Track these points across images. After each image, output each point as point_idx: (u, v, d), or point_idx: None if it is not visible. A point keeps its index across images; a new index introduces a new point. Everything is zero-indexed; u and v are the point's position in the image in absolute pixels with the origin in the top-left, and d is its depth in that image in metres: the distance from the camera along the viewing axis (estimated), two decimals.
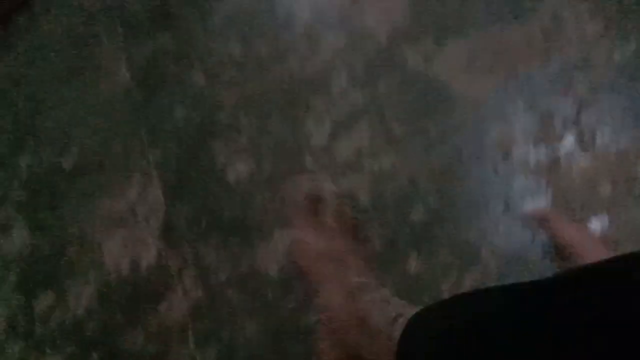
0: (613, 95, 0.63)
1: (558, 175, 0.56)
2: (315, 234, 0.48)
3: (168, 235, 0.65)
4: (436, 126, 0.64)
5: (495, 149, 0.62)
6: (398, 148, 0.62)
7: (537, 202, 0.57)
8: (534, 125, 0.62)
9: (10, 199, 0.67)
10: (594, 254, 0.49)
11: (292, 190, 0.52)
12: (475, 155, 0.63)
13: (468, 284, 0.57)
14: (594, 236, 0.53)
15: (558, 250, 0.50)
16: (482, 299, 0.36)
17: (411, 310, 0.41)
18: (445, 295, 0.58)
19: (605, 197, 0.55)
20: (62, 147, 0.69)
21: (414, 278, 0.57)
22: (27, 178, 0.66)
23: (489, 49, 0.63)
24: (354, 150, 0.63)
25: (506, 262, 0.57)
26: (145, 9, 0.70)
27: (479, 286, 0.57)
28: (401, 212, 0.59)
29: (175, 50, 0.69)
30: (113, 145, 0.68)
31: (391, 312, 0.42)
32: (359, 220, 0.57)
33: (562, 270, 0.48)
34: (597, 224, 0.56)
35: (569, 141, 0.61)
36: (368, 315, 0.43)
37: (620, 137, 0.60)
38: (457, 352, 0.33)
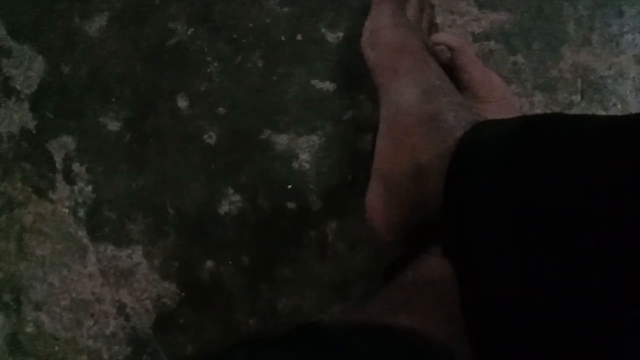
0: None
1: None
2: (396, 25, 0.43)
3: None
4: None
5: None
6: None
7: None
8: None
9: None
10: (500, 99, 0.45)
11: None
12: None
13: None
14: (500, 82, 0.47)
15: (461, 84, 0.45)
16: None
17: None
18: None
19: None
20: None
21: None
22: None
23: None
24: None
25: None
26: None
27: None
28: None
29: None
30: None
31: (467, 117, 0.39)
32: (435, 25, 0.52)
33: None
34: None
35: None
36: (440, 116, 0.39)
37: None
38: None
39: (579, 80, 0.52)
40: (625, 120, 0.29)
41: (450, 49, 0.45)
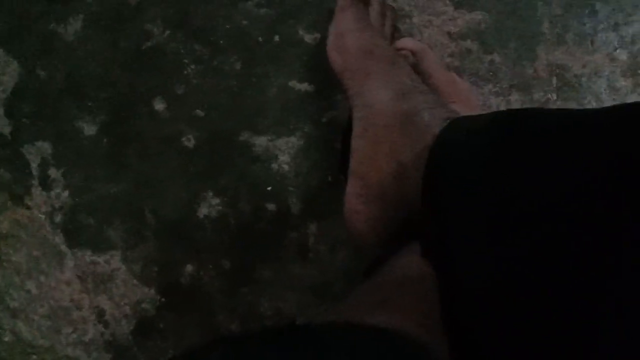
0: None
1: None
2: (361, 29, 0.43)
3: None
4: None
5: None
6: None
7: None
8: None
9: None
10: (464, 102, 0.46)
11: None
12: None
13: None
14: (462, 85, 0.48)
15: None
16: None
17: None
18: None
19: None
20: None
21: None
22: None
23: None
24: None
25: None
26: None
27: None
28: None
29: None
30: None
31: (443, 114, 0.38)
32: (398, 29, 0.52)
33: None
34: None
35: None
36: (416, 114, 0.38)
37: None
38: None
39: (555, 78, 0.53)
40: (603, 114, 0.29)
41: (413, 53, 0.46)
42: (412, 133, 0.39)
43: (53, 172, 0.59)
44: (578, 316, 0.24)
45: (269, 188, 0.56)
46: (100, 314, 0.59)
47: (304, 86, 0.55)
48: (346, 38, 0.43)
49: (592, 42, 0.52)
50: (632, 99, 0.52)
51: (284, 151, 0.56)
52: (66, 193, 0.59)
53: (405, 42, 0.46)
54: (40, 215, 0.59)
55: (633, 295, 0.23)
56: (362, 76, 0.41)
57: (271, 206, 0.56)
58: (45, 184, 0.59)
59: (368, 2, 0.46)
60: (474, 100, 0.46)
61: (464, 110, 0.43)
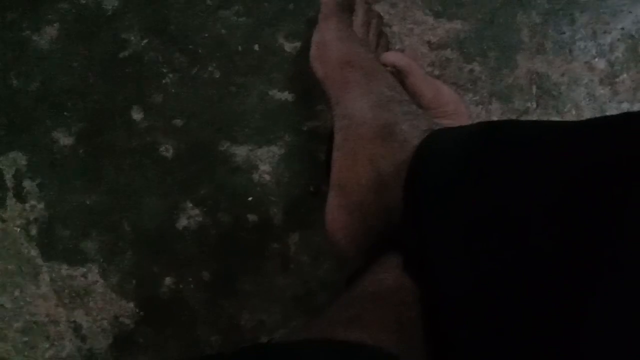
0: None
1: None
2: (343, 39, 0.43)
3: None
4: None
5: None
6: None
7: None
8: None
9: None
10: (452, 114, 0.45)
11: None
12: None
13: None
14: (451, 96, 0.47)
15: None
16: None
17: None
18: None
19: None
20: None
21: None
22: None
23: None
24: None
25: None
26: None
27: None
28: None
29: None
30: None
31: (423, 125, 0.38)
32: (384, 36, 0.51)
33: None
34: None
35: None
36: (395, 125, 0.38)
37: None
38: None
39: (534, 87, 0.53)
40: (580, 126, 0.29)
41: (399, 71, 0.45)
42: (392, 144, 0.38)
43: (28, 184, 0.57)
44: (558, 325, 0.25)
45: (250, 198, 0.55)
46: (78, 329, 0.57)
47: (285, 95, 0.55)
48: (328, 47, 0.42)
49: (570, 51, 0.53)
50: (610, 106, 0.53)
51: (264, 161, 0.55)
52: (41, 205, 0.57)
53: (390, 58, 0.45)
54: (14, 227, 0.58)
55: (613, 307, 0.23)
56: (342, 86, 0.41)
57: (252, 216, 0.55)
58: (20, 195, 0.58)
59: (352, 11, 0.46)
60: (463, 110, 0.46)
61: (452, 123, 0.43)
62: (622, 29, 0.52)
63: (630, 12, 0.52)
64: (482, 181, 0.31)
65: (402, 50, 0.53)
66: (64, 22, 0.57)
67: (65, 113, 0.57)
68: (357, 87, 0.41)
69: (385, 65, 0.44)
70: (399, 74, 0.44)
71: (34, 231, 0.58)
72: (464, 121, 0.45)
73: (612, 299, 0.23)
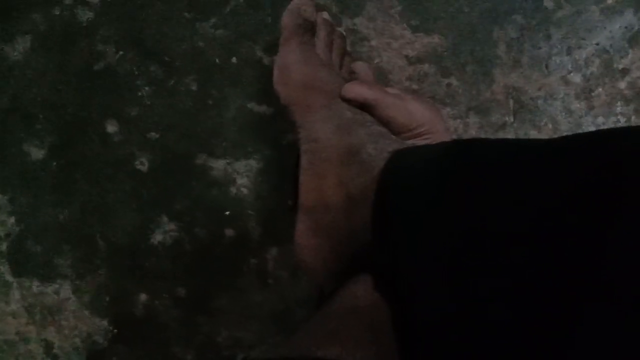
0: None
1: None
2: (304, 62, 0.42)
3: None
4: None
5: None
6: None
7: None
8: None
9: None
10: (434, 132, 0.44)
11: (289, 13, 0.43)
12: None
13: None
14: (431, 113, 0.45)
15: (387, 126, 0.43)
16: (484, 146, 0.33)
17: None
18: None
19: None
20: None
21: None
22: None
23: None
24: None
25: None
26: None
27: None
28: None
29: None
30: None
31: (388, 146, 0.38)
32: (352, 56, 0.50)
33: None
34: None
35: None
36: (361, 147, 0.38)
37: None
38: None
39: (511, 101, 0.53)
40: (548, 145, 0.29)
41: (365, 105, 0.42)
42: (358, 166, 0.38)
43: None
44: (542, 351, 0.24)
45: (227, 212, 0.55)
46: (49, 348, 0.56)
47: (263, 108, 0.54)
48: (290, 70, 0.42)
49: (546, 66, 0.53)
50: (586, 120, 0.53)
51: (242, 174, 0.54)
52: (12, 219, 0.56)
53: (349, 94, 0.42)
54: None
55: (599, 334, 0.22)
56: (305, 110, 0.41)
57: (229, 231, 0.54)
58: None
59: (314, 32, 0.45)
60: (439, 128, 0.45)
61: (429, 143, 0.43)
62: (597, 44, 0.53)
63: (604, 27, 0.52)
64: (451, 202, 0.30)
65: (368, 66, 0.51)
66: (37, 33, 0.56)
67: (37, 126, 0.56)
68: (319, 110, 0.40)
69: (348, 100, 0.43)
70: (364, 108, 0.43)
71: (4, 247, 0.56)
72: (441, 138, 0.44)
73: (599, 325, 0.22)
